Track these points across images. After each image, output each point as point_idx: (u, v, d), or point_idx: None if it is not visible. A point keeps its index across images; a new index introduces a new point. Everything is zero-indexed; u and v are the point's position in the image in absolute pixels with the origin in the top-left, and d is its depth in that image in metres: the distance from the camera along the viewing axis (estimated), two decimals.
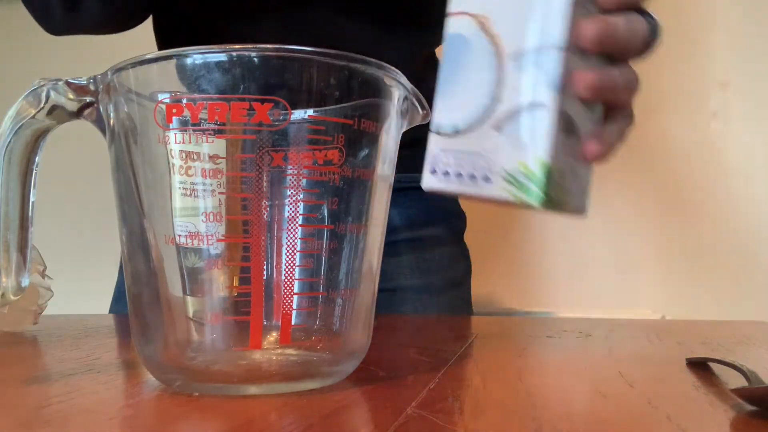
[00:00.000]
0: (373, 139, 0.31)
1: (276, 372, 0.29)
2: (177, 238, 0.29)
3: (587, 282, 1.17)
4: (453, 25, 0.31)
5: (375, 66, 0.30)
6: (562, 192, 0.29)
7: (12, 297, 0.32)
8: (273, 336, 0.29)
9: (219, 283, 0.29)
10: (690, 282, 1.13)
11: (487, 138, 0.29)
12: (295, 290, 0.29)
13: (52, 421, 0.25)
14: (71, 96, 0.31)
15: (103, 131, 0.31)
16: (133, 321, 0.31)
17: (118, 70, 0.29)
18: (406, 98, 0.33)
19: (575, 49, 0.29)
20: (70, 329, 0.54)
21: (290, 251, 0.29)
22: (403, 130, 0.34)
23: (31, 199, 0.32)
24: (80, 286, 1.34)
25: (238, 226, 0.29)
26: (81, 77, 0.31)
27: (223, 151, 0.28)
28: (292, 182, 0.29)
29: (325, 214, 0.30)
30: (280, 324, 0.29)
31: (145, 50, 0.30)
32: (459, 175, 0.30)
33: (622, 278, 1.16)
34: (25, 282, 0.32)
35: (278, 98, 0.28)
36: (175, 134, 0.28)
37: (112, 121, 0.30)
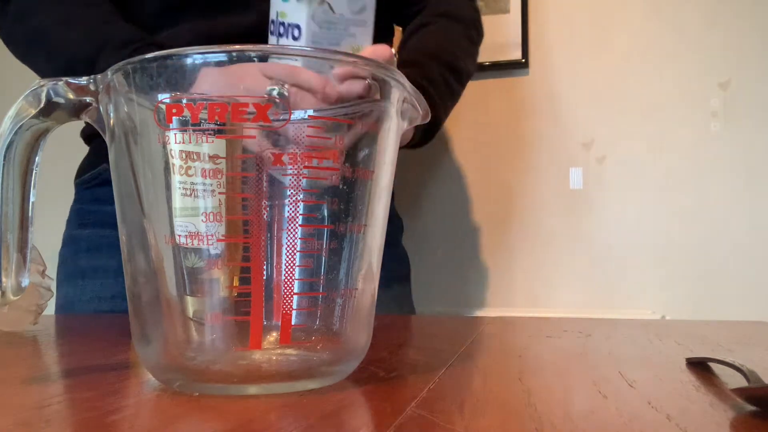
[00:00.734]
0: (373, 139, 0.31)
1: (276, 372, 0.29)
2: (177, 238, 0.29)
3: (587, 282, 1.17)
4: None
5: (375, 66, 0.30)
6: None
7: (12, 297, 0.32)
8: (273, 336, 0.29)
9: (219, 283, 0.29)
10: (690, 282, 1.13)
11: None
12: (295, 290, 0.29)
13: (52, 421, 0.25)
14: (71, 96, 0.31)
15: (103, 131, 0.31)
16: (133, 321, 0.31)
17: (118, 70, 0.29)
18: (405, 98, 0.33)
19: None
20: (70, 329, 0.54)
21: (290, 251, 0.29)
22: (403, 130, 0.34)
23: (31, 199, 0.32)
24: None
25: (238, 226, 0.29)
26: (81, 77, 0.31)
27: (223, 151, 0.28)
28: (292, 182, 0.29)
29: (325, 214, 0.30)
30: (280, 324, 0.29)
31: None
32: None
33: (622, 278, 1.16)
34: (25, 282, 0.32)
35: (278, 98, 0.28)
36: (175, 134, 0.28)
37: (112, 121, 0.30)
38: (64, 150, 0.95)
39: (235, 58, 0.28)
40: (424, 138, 0.79)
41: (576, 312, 1.11)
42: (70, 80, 0.31)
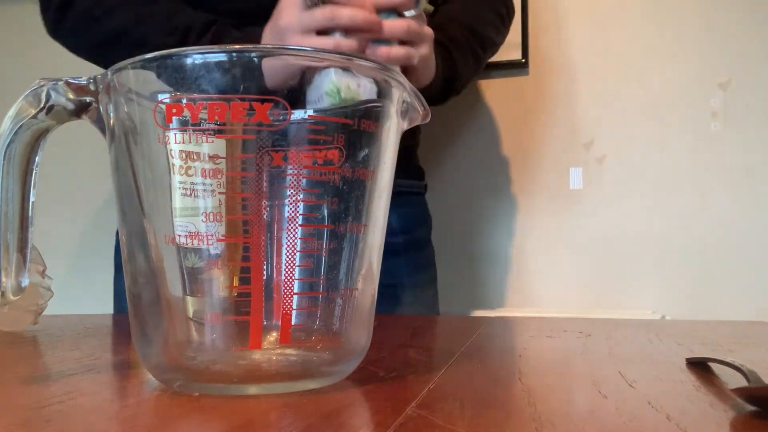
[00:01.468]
0: (373, 139, 0.31)
1: (276, 372, 0.29)
2: (177, 238, 0.29)
3: (587, 282, 1.17)
4: None
5: (375, 66, 0.30)
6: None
7: (12, 297, 0.32)
8: (273, 336, 0.29)
9: (219, 283, 0.29)
10: (690, 282, 1.13)
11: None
12: (295, 290, 0.29)
13: (52, 421, 0.25)
14: (71, 96, 0.31)
15: (103, 131, 0.31)
16: (133, 321, 0.31)
17: (118, 70, 0.29)
18: (405, 98, 0.33)
19: None
20: (70, 329, 0.54)
21: (290, 251, 0.29)
22: (403, 130, 0.34)
23: (31, 199, 0.32)
24: (80, 286, 1.34)
25: (238, 226, 0.29)
26: (81, 77, 0.31)
27: (223, 151, 0.28)
28: (292, 182, 0.29)
29: (325, 214, 0.30)
30: (280, 324, 0.29)
31: None
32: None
33: (622, 278, 1.16)
34: (25, 282, 0.32)
35: (278, 98, 0.28)
36: (175, 134, 0.28)
37: (112, 121, 0.30)
38: (64, 150, 0.95)
39: (235, 58, 0.28)
40: (444, 95, 0.83)
41: (576, 312, 1.11)
42: (70, 80, 0.31)
